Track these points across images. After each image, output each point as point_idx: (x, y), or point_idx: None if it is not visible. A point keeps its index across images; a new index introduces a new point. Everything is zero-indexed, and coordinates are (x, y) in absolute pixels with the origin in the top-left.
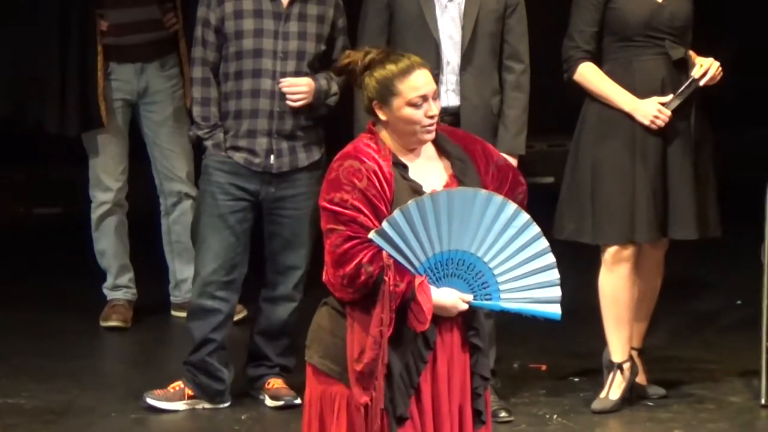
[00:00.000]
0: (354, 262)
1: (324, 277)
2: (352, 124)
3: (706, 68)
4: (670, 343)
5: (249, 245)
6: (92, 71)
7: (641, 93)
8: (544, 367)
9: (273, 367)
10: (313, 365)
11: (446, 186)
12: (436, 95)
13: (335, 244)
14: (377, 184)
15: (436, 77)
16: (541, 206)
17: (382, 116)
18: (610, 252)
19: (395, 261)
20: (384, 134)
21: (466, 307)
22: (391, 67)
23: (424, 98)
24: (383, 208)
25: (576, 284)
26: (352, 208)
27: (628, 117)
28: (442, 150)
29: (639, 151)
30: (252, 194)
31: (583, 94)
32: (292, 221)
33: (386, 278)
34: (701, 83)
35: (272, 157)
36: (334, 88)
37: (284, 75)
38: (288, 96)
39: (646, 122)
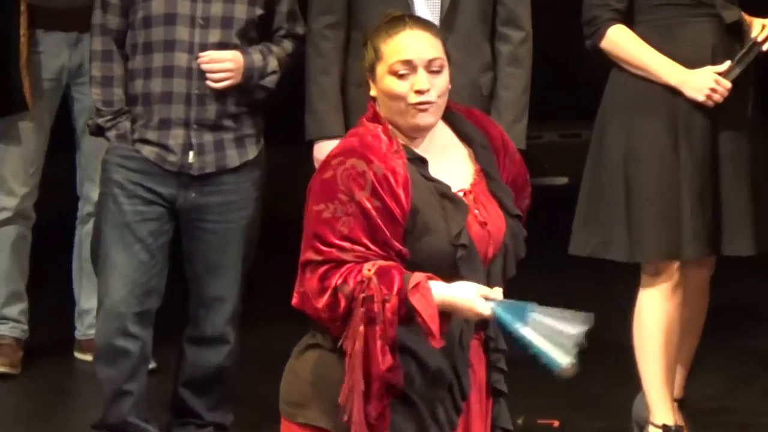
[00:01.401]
0: (329, 290)
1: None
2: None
3: None
4: (721, 391)
5: (167, 266)
6: (13, 38)
7: (685, 66)
8: (556, 423)
9: (204, 426)
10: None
11: (474, 184)
12: (441, 67)
13: (310, 272)
14: (385, 195)
15: None
16: (552, 215)
17: (372, 92)
18: (658, 272)
19: (379, 268)
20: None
21: (487, 309)
22: (382, 28)
23: (410, 66)
24: (388, 227)
25: (594, 316)
26: (341, 231)
27: (669, 93)
28: (460, 133)
29: (683, 138)
30: (166, 200)
31: (608, 69)
32: (218, 238)
33: (367, 294)
34: (765, 47)
35: (191, 154)
36: (273, 64)
37: (205, 48)
38: (208, 75)
39: (701, 98)
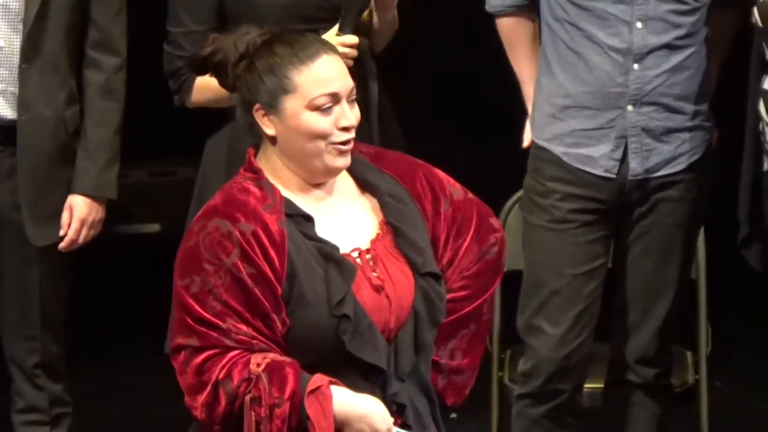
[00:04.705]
0: (210, 385)
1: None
2: None
3: None
4: None
5: None
6: None
7: None
8: None
9: None
10: None
11: (376, 241)
12: (354, 95)
13: (184, 361)
14: (257, 258)
15: None
16: (139, 271)
17: (269, 130)
18: None
19: (270, 364)
20: (272, 165)
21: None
22: (283, 51)
23: (335, 99)
24: (267, 296)
25: None
26: (214, 307)
27: None
28: (363, 182)
29: None
30: None
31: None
32: None
33: (253, 395)
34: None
35: None
36: None
37: None
38: None
39: None
